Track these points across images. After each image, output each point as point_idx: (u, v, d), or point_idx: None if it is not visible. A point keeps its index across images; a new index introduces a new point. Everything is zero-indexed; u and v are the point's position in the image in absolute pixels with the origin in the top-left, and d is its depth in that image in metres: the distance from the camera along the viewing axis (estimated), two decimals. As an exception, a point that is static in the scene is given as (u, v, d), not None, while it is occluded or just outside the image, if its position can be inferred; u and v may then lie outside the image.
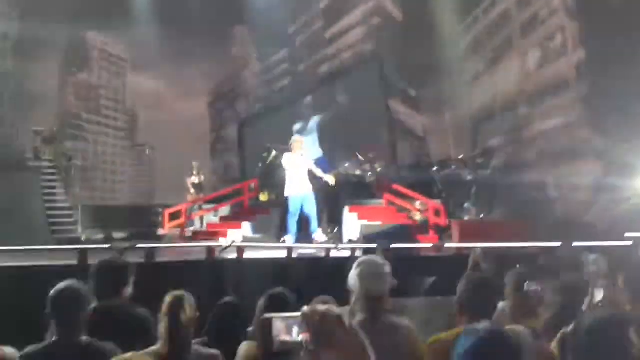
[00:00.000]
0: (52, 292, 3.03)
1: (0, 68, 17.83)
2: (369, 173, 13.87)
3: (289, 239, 8.92)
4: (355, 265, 3.09)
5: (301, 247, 7.98)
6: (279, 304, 3.05)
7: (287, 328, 1.48)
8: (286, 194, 9.41)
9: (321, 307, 1.47)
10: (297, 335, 1.46)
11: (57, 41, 18.58)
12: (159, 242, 8.28)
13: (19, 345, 2.99)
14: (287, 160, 9.45)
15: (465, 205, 12.48)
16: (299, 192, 9.23)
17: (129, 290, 3.59)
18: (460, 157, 14.21)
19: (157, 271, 5.43)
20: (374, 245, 6.67)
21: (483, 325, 1.77)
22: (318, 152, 15.49)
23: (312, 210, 9.32)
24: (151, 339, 3.05)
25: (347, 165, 13.83)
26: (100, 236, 14.38)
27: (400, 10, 19.25)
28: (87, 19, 18.39)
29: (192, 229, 13.53)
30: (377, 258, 3.24)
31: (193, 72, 18.65)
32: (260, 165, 14.56)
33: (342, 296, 3.08)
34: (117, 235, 14.14)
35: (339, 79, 19.41)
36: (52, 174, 16.01)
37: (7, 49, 18.04)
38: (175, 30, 16.89)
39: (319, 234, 9.37)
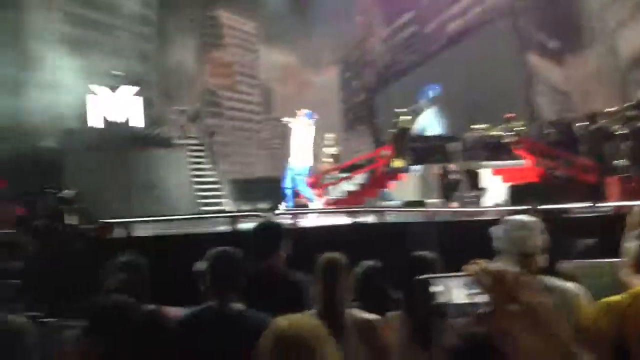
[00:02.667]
0: (207, 256, 3.05)
1: (144, 52, 19.14)
2: (508, 133, 13.26)
3: None
4: (503, 224, 2.91)
5: (444, 211, 7.78)
6: (424, 267, 2.94)
7: (448, 289, 1.37)
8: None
9: (495, 266, 1.35)
10: (463, 296, 1.35)
11: (192, 22, 19.50)
12: (301, 209, 8.51)
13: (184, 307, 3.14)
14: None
15: (618, 161, 11.50)
16: None
17: (284, 254, 3.60)
18: (610, 109, 13.09)
19: (303, 236, 5.54)
20: (522, 208, 6.32)
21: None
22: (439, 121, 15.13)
23: None
24: (307, 303, 3.06)
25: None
26: (246, 208, 15.14)
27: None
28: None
29: (329, 197, 13.80)
30: (527, 216, 3.02)
31: (321, 43, 18.75)
32: (392, 131, 14.46)
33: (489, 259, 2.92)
34: (261, 206, 14.79)
35: (468, 37, 18.62)
36: (198, 150, 17.07)
37: (149, 34, 19.29)
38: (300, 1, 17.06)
39: None
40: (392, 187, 12.58)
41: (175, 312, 3.05)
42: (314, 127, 10.05)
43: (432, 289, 1.36)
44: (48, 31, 16.55)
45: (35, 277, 3.37)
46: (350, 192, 13.79)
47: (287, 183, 9.77)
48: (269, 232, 3.69)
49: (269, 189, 16.53)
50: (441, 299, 1.36)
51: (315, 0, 17.09)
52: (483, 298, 1.31)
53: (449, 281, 1.38)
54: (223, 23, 21.10)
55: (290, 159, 9.87)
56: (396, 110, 14.36)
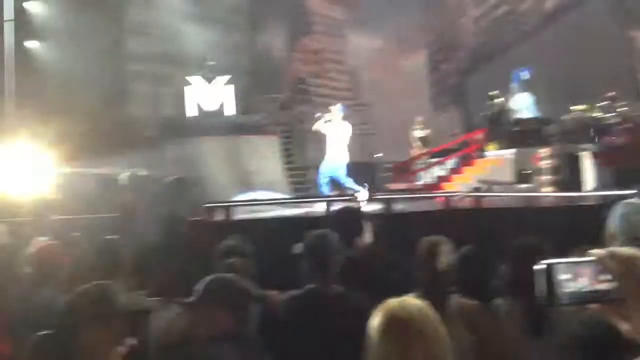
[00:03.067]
0: (306, 239, 3.11)
1: (236, 41, 19.61)
2: (610, 114, 12.52)
3: None
4: (617, 208, 2.75)
5: (544, 195, 7.48)
6: (533, 254, 2.84)
7: (572, 276, 1.30)
8: None
9: (626, 251, 1.26)
10: (589, 283, 1.27)
11: (283, 10, 19.73)
12: (394, 194, 8.45)
13: (286, 290, 3.20)
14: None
15: None
16: None
17: (370, 238, 3.61)
18: None
19: (395, 221, 5.52)
20: (628, 192, 5.97)
21: None
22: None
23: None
24: (402, 287, 3.05)
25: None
26: (336, 192, 15.30)
27: None
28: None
29: (419, 182, 13.68)
30: None
31: (410, 26, 18.45)
32: (486, 114, 14.07)
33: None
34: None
35: (567, 14, 17.67)
36: (288, 137, 17.42)
37: (241, 23, 19.72)
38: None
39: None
40: (486, 171, 12.22)
41: (275, 295, 3.13)
42: (348, 123, 10.02)
43: (555, 275, 1.30)
44: (148, 25, 17.30)
45: (142, 260, 3.55)
46: (441, 177, 13.58)
47: (323, 178, 9.73)
48: (353, 216, 3.71)
49: (356, 174, 16.60)
50: (565, 287, 1.29)
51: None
52: (611, 285, 1.25)
53: (572, 267, 1.31)
54: (312, 10, 21.21)
55: (327, 155, 9.82)
56: (490, 93, 13.93)
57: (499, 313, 2.78)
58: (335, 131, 9.67)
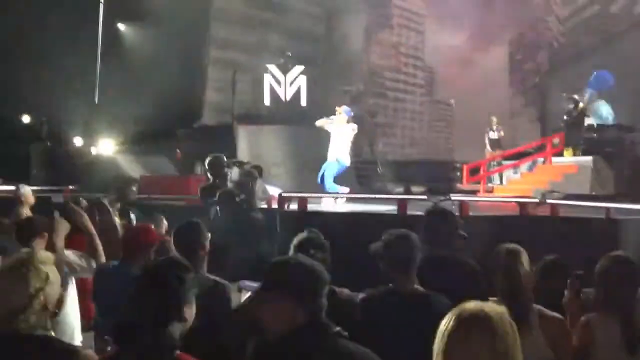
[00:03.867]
0: (384, 238, 3.06)
1: (313, 32, 19.74)
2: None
3: None
4: None
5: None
6: (629, 269, 2.75)
7: None
8: None
9: None
10: None
11: (361, 2, 19.68)
12: (469, 196, 8.29)
13: (354, 289, 3.21)
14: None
15: None
16: None
17: (460, 240, 3.58)
18: None
19: (470, 225, 5.43)
20: None
21: None
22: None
23: None
24: (481, 292, 3.02)
25: None
26: (400, 189, 15.21)
27: None
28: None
29: (491, 185, 13.39)
30: None
31: (492, 23, 17.99)
32: (565, 118, 13.59)
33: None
34: (417, 189, 14.77)
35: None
36: (358, 130, 17.40)
37: (319, 14, 19.83)
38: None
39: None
40: (560, 178, 11.83)
41: (348, 293, 3.13)
42: (354, 125, 9.94)
43: None
44: (230, 13, 17.69)
45: (218, 245, 3.65)
46: (513, 181, 13.25)
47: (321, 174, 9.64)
48: (445, 218, 3.67)
49: (428, 171, 16.50)
50: None
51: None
52: None
53: None
54: (393, 3, 21.06)
55: (329, 155, 9.69)
56: (572, 96, 13.44)
57: (589, 327, 2.70)
58: (338, 131, 9.69)
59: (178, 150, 13.86)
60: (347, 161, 9.76)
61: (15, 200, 5.77)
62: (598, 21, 18.67)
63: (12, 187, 6.25)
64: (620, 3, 18.44)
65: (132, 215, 5.41)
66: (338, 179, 9.64)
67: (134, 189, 5.99)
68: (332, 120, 9.79)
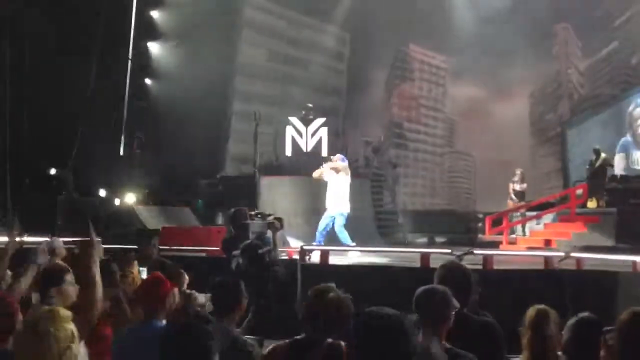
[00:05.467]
0: (418, 292, 3.03)
1: (335, 85, 20.16)
2: None
3: None
4: None
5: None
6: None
7: None
8: None
9: None
10: None
11: (383, 57, 20.10)
12: (492, 249, 8.17)
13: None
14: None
15: None
16: None
17: (475, 296, 3.54)
18: None
19: (491, 278, 5.37)
20: None
21: None
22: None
23: None
24: (500, 350, 2.97)
25: None
26: (423, 240, 15.12)
27: None
28: (410, 35, 19.62)
29: (514, 236, 13.25)
30: None
31: (512, 75, 18.16)
32: (588, 168, 13.51)
33: None
34: (439, 239, 14.67)
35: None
36: (379, 180, 17.51)
37: (341, 68, 20.29)
38: (493, 33, 16.77)
39: None
40: (584, 229, 11.65)
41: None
42: (349, 172, 9.82)
43: None
44: (253, 66, 18.19)
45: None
46: (535, 232, 13.10)
47: (321, 227, 9.40)
48: (461, 275, 3.63)
49: (452, 221, 16.41)
50: None
51: (509, 32, 16.67)
52: None
53: None
54: (414, 57, 21.44)
55: (328, 205, 9.55)
56: (594, 147, 13.40)
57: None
58: (336, 181, 9.58)
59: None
60: (348, 209, 9.54)
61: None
62: (618, 72, 18.73)
63: (39, 239, 6.33)
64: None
65: (142, 269, 5.26)
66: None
67: (154, 243, 6.01)
68: (324, 167, 9.76)
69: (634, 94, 17.10)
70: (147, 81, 16.22)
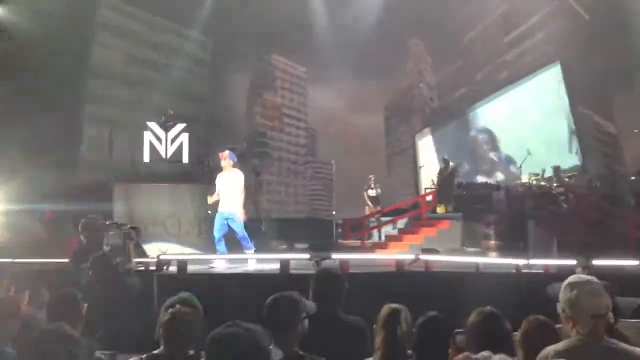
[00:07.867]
0: (269, 300, 3.03)
1: (197, 91, 19.79)
2: (555, 184, 13.03)
3: None
4: (567, 285, 2.83)
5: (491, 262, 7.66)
6: (493, 323, 2.91)
7: None
8: None
9: None
10: None
11: (245, 64, 20.09)
12: (349, 253, 8.39)
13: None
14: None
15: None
16: None
17: (341, 301, 3.62)
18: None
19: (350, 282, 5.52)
20: (571, 262, 6.19)
21: None
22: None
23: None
24: (366, 350, 3.06)
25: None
26: (284, 246, 15.27)
27: (586, 9, 17.77)
28: (271, 44, 19.80)
29: (370, 241, 13.81)
30: (591, 277, 2.94)
31: (369, 88, 18.99)
32: (437, 177, 14.45)
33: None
34: (300, 245, 14.89)
35: (518, 86, 18.60)
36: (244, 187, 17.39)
37: (203, 74, 19.97)
38: (352, 47, 17.41)
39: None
40: (434, 233, 12.45)
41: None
42: (240, 171, 8.83)
43: None
44: (109, 70, 17.33)
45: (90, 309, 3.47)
46: (390, 237, 13.74)
47: (216, 230, 8.51)
48: (334, 280, 3.70)
49: (312, 227, 16.74)
50: None
51: (367, 45, 17.39)
52: None
53: None
54: (276, 66, 21.67)
55: (220, 205, 8.62)
56: (444, 157, 14.37)
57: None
58: (224, 179, 8.66)
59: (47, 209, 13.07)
60: (239, 206, 8.56)
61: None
62: (465, 88, 20.25)
63: None
64: (484, 71, 20.14)
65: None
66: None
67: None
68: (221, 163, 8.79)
69: (477, 107, 18.63)
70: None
